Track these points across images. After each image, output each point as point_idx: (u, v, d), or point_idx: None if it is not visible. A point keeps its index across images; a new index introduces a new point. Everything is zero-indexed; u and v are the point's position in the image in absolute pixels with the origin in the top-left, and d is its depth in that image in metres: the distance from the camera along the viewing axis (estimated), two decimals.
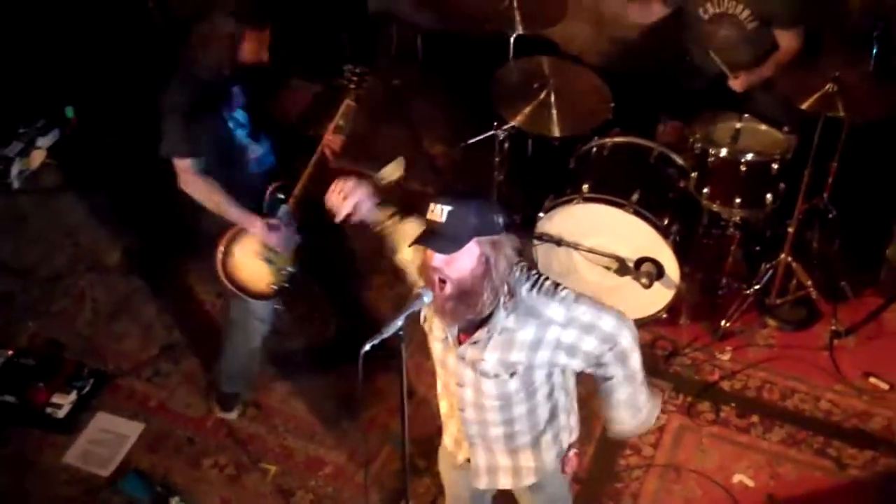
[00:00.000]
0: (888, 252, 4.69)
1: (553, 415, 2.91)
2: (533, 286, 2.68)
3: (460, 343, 2.76)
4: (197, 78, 3.70)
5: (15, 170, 5.36)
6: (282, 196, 3.91)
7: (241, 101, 3.84)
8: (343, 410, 4.27)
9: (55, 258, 4.97)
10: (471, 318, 2.67)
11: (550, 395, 2.86)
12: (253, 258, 3.89)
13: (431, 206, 2.56)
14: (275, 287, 3.93)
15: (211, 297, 4.73)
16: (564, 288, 2.71)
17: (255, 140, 3.90)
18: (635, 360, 2.82)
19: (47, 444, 4.17)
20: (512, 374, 2.74)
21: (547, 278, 2.73)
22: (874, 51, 4.63)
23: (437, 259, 2.57)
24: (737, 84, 4.55)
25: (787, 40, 4.60)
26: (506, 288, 2.64)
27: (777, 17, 4.57)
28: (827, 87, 4.04)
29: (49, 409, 4.23)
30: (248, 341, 4.12)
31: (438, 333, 2.83)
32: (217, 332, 4.38)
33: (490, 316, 2.67)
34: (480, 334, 2.70)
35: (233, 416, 4.31)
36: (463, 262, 2.56)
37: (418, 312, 2.73)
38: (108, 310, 4.72)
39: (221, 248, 3.82)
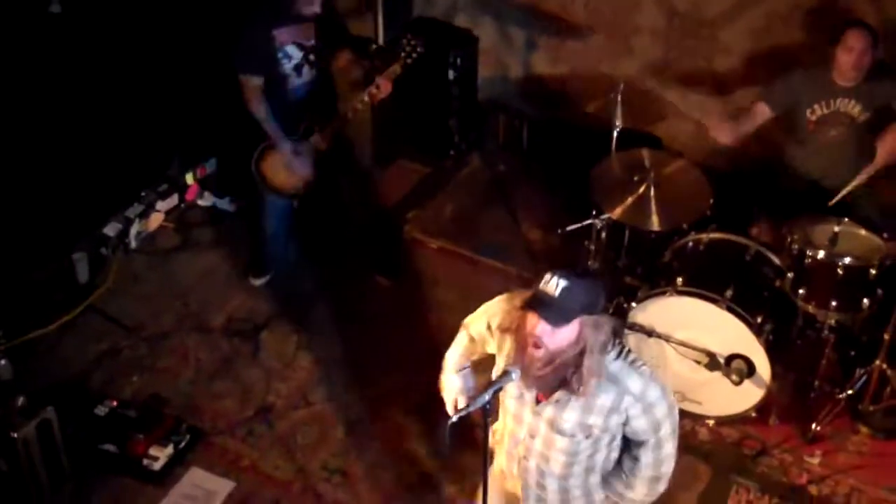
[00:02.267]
0: None
1: (605, 480, 3.03)
2: (618, 355, 2.81)
3: (538, 402, 2.86)
4: (283, 7, 4.58)
5: (133, 230, 5.63)
6: (313, 128, 4.80)
7: (294, 37, 4.71)
8: (427, 483, 4.33)
9: (164, 317, 5.18)
10: (551, 385, 2.77)
11: (607, 458, 2.99)
12: (280, 164, 4.87)
13: (547, 276, 2.69)
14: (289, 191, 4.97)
15: (307, 365, 4.88)
16: (643, 364, 2.85)
17: (298, 74, 4.77)
18: (669, 448, 2.94)
19: (142, 494, 4.30)
20: (588, 436, 2.85)
21: (630, 350, 2.86)
22: None
23: (541, 328, 2.67)
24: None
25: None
26: (596, 363, 2.73)
27: (883, 113, 4.59)
28: None
29: (146, 461, 4.37)
30: (270, 226, 5.16)
31: (513, 391, 2.93)
32: (310, 401, 4.60)
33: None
34: (561, 394, 2.81)
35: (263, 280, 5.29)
36: (564, 335, 2.68)
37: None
38: (210, 369, 4.88)
39: (262, 147, 4.83)
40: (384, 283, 5.33)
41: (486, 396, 2.73)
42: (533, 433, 2.95)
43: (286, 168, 4.88)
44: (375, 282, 5.32)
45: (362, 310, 5.17)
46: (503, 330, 2.92)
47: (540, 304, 2.67)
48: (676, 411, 2.92)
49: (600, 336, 2.72)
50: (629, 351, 2.85)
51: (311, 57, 4.78)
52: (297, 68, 4.78)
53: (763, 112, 4.85)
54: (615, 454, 3.02)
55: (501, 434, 3.12)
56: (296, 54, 4.74)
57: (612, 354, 2.79)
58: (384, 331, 5.02)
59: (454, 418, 2.78)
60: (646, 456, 2.93)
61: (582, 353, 2.70)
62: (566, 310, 2.65)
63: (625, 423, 2.88)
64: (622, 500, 3.07)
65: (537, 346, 2.69)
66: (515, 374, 2.75)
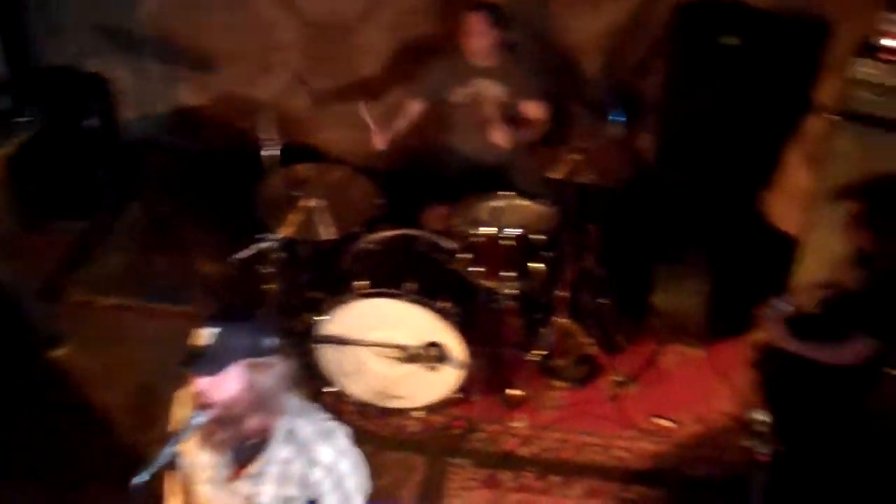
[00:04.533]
0: (654, 301, 4.98)
1: None
2: (313, 422, 2.68)
3: (233, 478, 2.70)
4: None
5: None
6: None
7: None
8: None
9: None
10: (239, 445, 2.63)
11: None
12: None
13: (194, 331, 2.53)
14: None
15: None
16: (343, 435, 2.71)
17: None
18: None
19: None
20: None
21: (328, 417, 2.73)
22: (614, 117, 4.99)
23: (201, 383, 2.53)
24: (498, 137, 4.81)
25: (533, 111, 4.90)
26: (278, 416, 2.61)
27: (522, 90, 4.85)
28: (573, 156, 4.30)
29: None
30: None
31: (208, 474, 2.74)
32: None
33: (266, 447, 2.65)
34: (256, 467, 2.67)
35: None
36: (228, 385, 2.54)
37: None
38: None
39: None
40: (57, 353, 4.95)
41: (172, 449, 2.55)
42: None
43: None
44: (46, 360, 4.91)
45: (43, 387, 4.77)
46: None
47: (192, 359, 2.52)
48: (362, 470, 2.79)
49: (267, 380, 2.59)
50: (326, 417, 2.74)
51: None
52: None
53: (413, 107, 5.01)
54: None
55: None
56: None
57: (305, 420, 2.67)
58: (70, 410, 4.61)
59: (137, 479, 2.53)
60: None
61: (252, 401, 2.57)
62: (220, 356, 2.51)
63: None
64: None
65: (205, 405, 2.55)
66: (199, 418, 2.56)
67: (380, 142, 4.93)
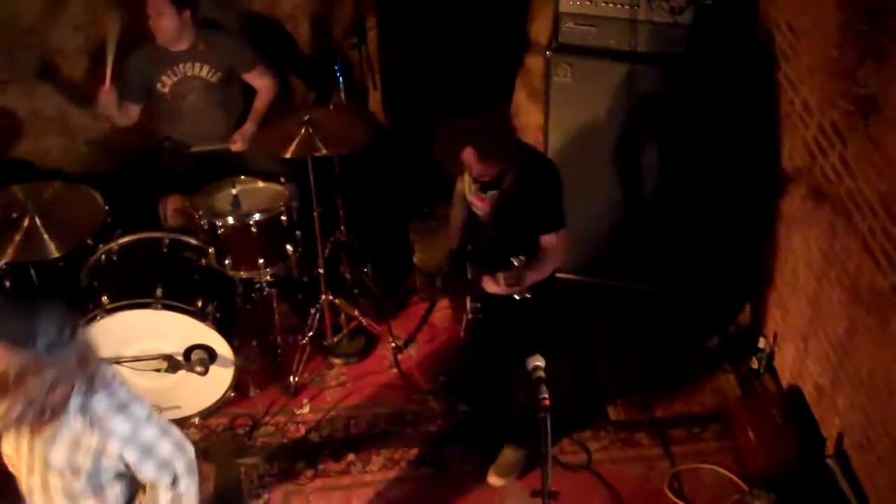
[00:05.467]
0: (415, 260, 4.97)
1: None
2: (109, 395, 2.64)
3: (32, 434, 2.65)
4: None
5: None
6: None
7: None
8: None
9: None
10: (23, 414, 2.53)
11: (123, 497, 2.82)
12: None
13: None
14: None
15: None
16: (143, 405, 2.71)
17: None
18: (184, 486, 2.83)
19: None
20: (78, 477, 2.69)
21: (127, 390, 2.71)
22: (339, 84, 4.89)
23: None
24: (238, 146, 4.64)
25: (257, 81, 4.78)
26: (72, 388, 2.55)
27: (237, 63, 4.66)
28: (302, 130, 4.16)
29: None
30: None
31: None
32: None
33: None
34: (49, 430, 2.61)
35: None
36: None
37: None
38: None
39: None
40: None
41: None
42: (30, 469, 2.74)
43: None
44: None
45: None
46: None
47: None
48: (189, 445, 2.84)
49: (27, 358, 2.45)
50: (124, 391, 2.70)
51: None
52: None
53: (132, 110, 4.73)
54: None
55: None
56: None
57: (103, 393, 2.62)
58: None
59: None
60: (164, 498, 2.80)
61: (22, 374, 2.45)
62: None
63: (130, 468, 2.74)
64: None
65: None
66: None
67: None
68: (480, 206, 3.73)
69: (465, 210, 3.89)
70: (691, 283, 4.88)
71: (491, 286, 3.56)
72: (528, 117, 5.25)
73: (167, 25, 4.52)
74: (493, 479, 4.12)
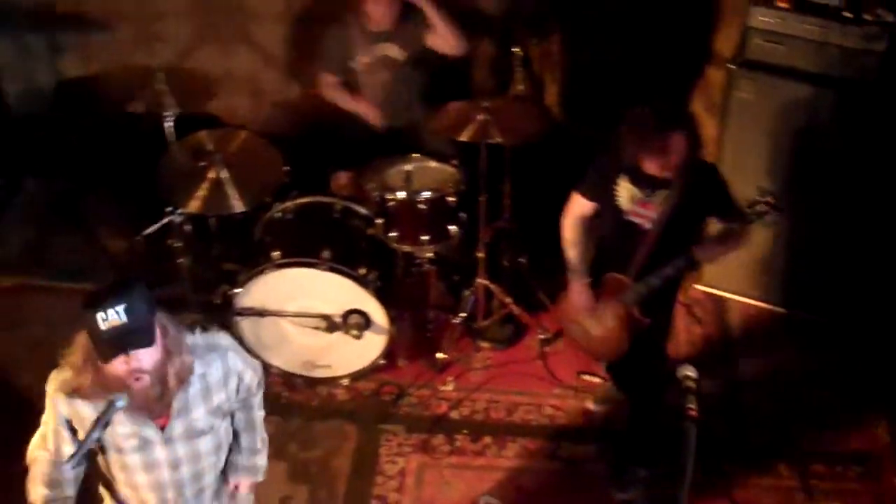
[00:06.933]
0: None
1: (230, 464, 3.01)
2: (192, 330, 2.72)
3: (163, 428, 2.67)
4: None
5: None
6: None
7: None
8: None
9: None
10: (173, 395, 2.60)
11: (228, 430, 2.91)
12: None
13: (96, 317, 2.40)
14: None
15: None
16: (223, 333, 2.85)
17: None
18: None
19: None
20: (223, 416, 2.79)
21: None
22: (516, 74, 4.96)
23: (137, 359, 2.45)
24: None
25: (443, 41, 4.74)
26: (186, 347, 2.61)
27: (423, 36, 4.74)
28: (479, 116, 4.25)
29: None
30: None
31: (129, 445, 2.68)
32: None
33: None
34: (179, 401, 2.63)
35: None
36: (154, 347, 2.49)
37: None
38: None
39: None
40: None
41: (96, 434, 2.47)
42: (175, 465, 2.75)
43: None
44: None
45: None
46: (83, 395, 2.61)
47: (121, 341, 2.42)
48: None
49: (171, 322, 2.58)
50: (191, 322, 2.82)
51: None
52: None
53: (329, 79, 4.89)
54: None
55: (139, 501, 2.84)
56: None
57: (188, 333, 2.69)
58: None
59: (70, 461, 2.53)
60: (259, 413, 2.96)
61: (171, 350, 2.54)
62: (145, 324, 2.44)
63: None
64: (256, 472, 3.04)
65: (139, 377, 2.48)
66: (122, 401, 2.48)
67: (375, 117, 4.83)
68: (644, 213, 3.71)
69: (586, 228, 3.90)
70: (851, 314, 4.75)
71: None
72: (701, 128, 5.19)
73: (384, 12, 4.64)
74: (619, 495, 4.13)
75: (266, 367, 4.39)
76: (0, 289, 5.01)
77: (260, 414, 2.99)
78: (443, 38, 4.73)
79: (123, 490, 2.79)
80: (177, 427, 2.68)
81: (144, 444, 2.68)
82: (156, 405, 2.57)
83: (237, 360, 2.79)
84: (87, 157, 5.66)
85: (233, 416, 2.90)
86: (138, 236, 4.46)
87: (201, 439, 2.74)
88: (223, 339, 2.80)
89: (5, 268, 5.10)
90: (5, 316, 4.85)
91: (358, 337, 4.30)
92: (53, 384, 2.65)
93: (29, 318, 4.80)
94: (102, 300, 2.40)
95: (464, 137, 4.30)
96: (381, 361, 4.46)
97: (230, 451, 2.95)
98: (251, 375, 2.86)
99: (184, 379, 2.59)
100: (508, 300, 4.71)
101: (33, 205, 5.52)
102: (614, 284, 3.83)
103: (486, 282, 4.64)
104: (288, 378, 4.47)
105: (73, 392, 2.59)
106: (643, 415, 4.11)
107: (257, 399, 2.95)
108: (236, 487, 3.03)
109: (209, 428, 2.74)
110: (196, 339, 2.71)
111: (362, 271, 4.29)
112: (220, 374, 2.72)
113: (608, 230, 3.86)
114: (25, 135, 5.73)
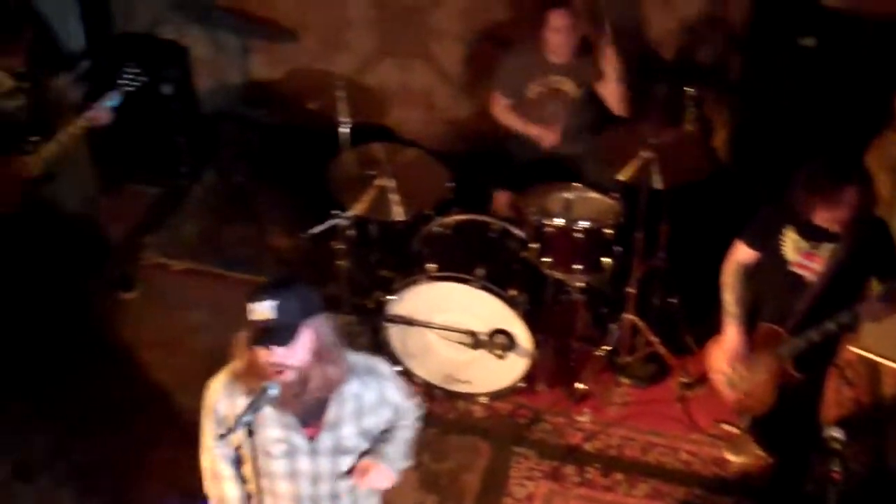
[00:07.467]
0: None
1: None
2: (352, 351, 2.78)
3: (312, 438, 2.74)
4: None
5: None
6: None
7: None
8: None
9: None
10: (316, 398, 2.67)
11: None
12: None
13: (251, 306, 2.55)
14: None
15: None
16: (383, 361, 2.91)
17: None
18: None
19: None
20: (370, 442, 2.83)
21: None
22: (686, 112, 4.92)
23: (277, 353, 2.57)
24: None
25: (610, 93, 4.82)
26: (340, 360, 2.69)
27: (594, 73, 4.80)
28: (645, 154, 4.24)
29: None
30: None
31: (277, 450, 2.76)
32: None
33: (331, 397, 2.71)
34: (330, 414, 2.71)
35: None
36: (301, 346, 2.59)
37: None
38: None
39: None
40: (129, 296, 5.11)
41: (249, 417, 2.56)
42: (316, 479, 2.82)
43: None
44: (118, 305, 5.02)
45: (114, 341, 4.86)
46: (240, 377, 2.73)
47: (262, 335, 2.55)
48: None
49: (327, 331, 2.66)
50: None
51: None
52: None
53: (502, 102, 4.99)
54: None
55: None
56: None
57: (350, 352, 2.77)
58: (137, 367, 4.72)
59: (219, 443, 2.68)
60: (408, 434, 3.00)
61: (321, 355, 2.64)
62: (290, 324, 2.56)
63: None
64: (391, 463, 2.94)
65: (282, 372, 2.59)
66: (274, 389, 2.58)
67: (552, 139, 4.91)
68: (810, 265, 3.65)
69: (747, 276, 3.84)
70: None
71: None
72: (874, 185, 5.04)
73: (565, 43, 4.72)
74: None
75: (409, 375, 4.52)
76: (172, 271, 5.32)
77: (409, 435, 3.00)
78: (609, 93, 4.81)
79: (265, 499, 2.84)
80: (325, 440, 2.75)
81: (291, 452, 2.76)
82: (295, 404, 2.66)
83: (396, 394, 2.88)
84: (264, 155, 5.97)
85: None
86: (304, 235, 4.66)
87: (346, 458, 2.80)
88: (383, 367, 2.88)
89: (179, 252, 5.42)
90: (172, 296, 5.14)
91: (501, 357, 4.36)
92: (210, 388, 2.80)
93: (194, 302, 5.06)
94: (261, 292, 2.56)
95: (625, 177, 4.30)
96: (521, 384, 4.50)
97: (382, 440, 2.92)
98: (411, 410, 2.97)
99: (328, 389, 2.68)
100: (655, 339, 4.68)
101: (211, 195, 5.85)
102: (768, 335, 3.76)
103: (633, 318, 4.62)
104: (429, 388, 4.57)
105: (234, 377, 2.73)
106: (788, 475, 4.01)
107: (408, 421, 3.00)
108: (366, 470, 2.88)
109: (355, 448, 2.80)
110: (357, 358, 2.79)
111: (513, 293, 4.35)
112: (375, 398, 2.79)
113: (769, 281, 3.80)
114: (211, 129, 6.08)
